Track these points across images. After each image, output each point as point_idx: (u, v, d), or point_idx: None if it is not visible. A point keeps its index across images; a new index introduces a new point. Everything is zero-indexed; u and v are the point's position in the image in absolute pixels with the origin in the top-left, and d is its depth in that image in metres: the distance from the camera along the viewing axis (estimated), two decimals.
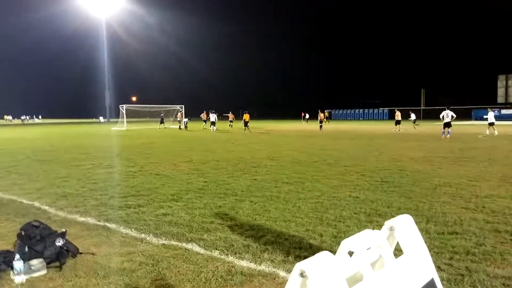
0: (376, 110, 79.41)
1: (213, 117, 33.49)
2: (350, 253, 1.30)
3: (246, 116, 31.90)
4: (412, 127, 32.53)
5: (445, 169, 9.40)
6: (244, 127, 31.25)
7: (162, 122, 39.99)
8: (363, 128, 34.51)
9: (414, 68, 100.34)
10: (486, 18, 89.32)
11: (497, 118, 51.99)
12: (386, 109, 76.79)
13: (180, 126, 37.54)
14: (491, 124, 23.07)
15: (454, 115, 20.77)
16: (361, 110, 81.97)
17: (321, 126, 31.27)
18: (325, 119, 37.98)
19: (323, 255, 1.19)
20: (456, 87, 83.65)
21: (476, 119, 56.12)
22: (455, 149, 14.03)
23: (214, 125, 33.00)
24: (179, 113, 40.59)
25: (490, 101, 59.68)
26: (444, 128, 20.79)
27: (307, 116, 57.63)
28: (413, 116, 35.69)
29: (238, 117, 41.20)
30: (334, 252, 1.28)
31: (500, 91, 59.48)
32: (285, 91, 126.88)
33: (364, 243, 1.33)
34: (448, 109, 20.91)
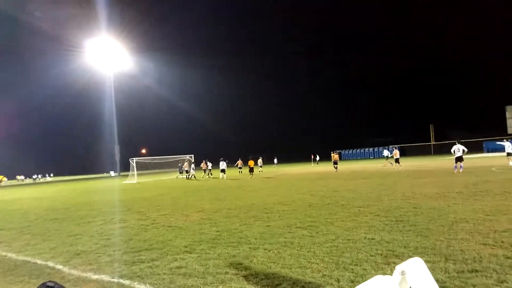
0: (387, 148, 79.32)
1: (223, 165, 33.45)
2: None
3: (251, 162, 32.48)
4: (389, 163, 34.19)
5: (461, 204, 9.25)
6: (249, 173, 31.75)
7: (181, 171, 40.40)
8: (374, 166, 34.30)
9: (421, 104, 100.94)
10: (490, 49, 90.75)
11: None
12: (396, 147, 76.69)
13: (187, 176, 37.23)
14: (509, 154, 22.85)
15: (465, 149, 20.62)
16: (371, 149, 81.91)
17: (336, 167, 31.34)
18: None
19: None
20: (465, 120, 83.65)
21: (488, 151, 55.58)
22: (469, 184, 13.84)
23: (224, 173, 32.93)
24: (185, 163, 40.66)
25: (502, 132, 59.35)
26: (456, 162, 20.62)
27: (318, 157, 57.89)
28: (385, 153, 37.18)
29: (246, 163, 41.61)
30: None
31: (510, 122, 59.07)
32: (292, 134, 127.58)
33: None
34: (458, 143, 20.83)
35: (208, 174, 38.66)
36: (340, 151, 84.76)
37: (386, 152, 38.37)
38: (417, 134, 79.20)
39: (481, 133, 62.17)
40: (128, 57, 75.50)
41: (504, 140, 24.73)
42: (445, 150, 63.42)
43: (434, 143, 73.49)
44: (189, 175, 36.76)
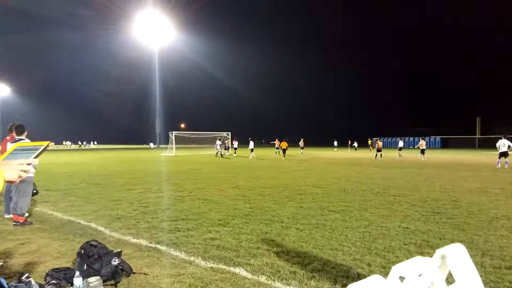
0: (427, 139, 76.77)
1: (251, 144, 35.11)
2: (401, 279, 1.33)
3: (284, 144, 32.88)
4: (398, 155, 33.83)
5: (503, 201, 8.91)
6: (283, 155, 32.22)
7: (226, 148, 40.78)
8: (413, 156, 33.38)
9: (468, 95, 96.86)
10: None
11: None
12: (438, 138, 74.08)
13: (221, 153, 36.61)
14: None
15: (511, 144, 19.68)
16: (411, 139, 79.52)
17: (379, 155, 30.71)
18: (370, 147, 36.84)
19: (375, 278, 1.24)
20: None
21: None
22: None
23: (252, 152, 34.12)
24: (224, 139, 41.25)
25: None
26: (499, 157, 19.78)
27: (356, 144, 56.87)
28: (400, 144, 36.16)
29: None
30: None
31: None
32: (331, 119, 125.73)
33: (415, 270, 1.35)
34: (504, 138, 19.90)
35: (233, 151, 39.43)
36: (377, 138, 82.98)
37: (401, 143, 37.52)
38: (462, 126, 76.18)
39: None
40: (173, 31, 76.26)
41: None
42: (490, 145, 60.68)
43: (479, 136, 70.31)
44: (218, 152, 36.15)
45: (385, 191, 10.57)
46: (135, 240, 5.56)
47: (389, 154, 39.50)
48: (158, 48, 77.77)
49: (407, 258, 4.53)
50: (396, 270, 1.31)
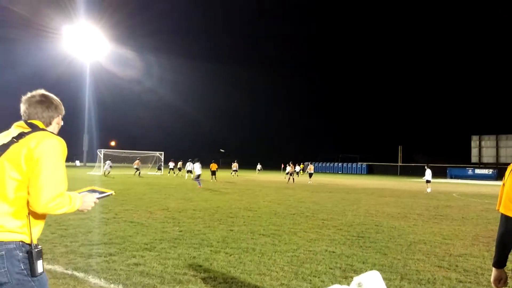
0: (354, 165, 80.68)
1: (190, 166, 34.21)
2: None
3: (213, 166, 32.20)
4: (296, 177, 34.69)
5: (420, 226, 9.52)
6: (211, 176, 31.46)
7: (159, 168, 40.41)
8: (341, 181, 34.86)
9: (391, 125, 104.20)
10: (461, 80, 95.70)
11: (471, 177, 53.97)
12: (364, 164, 78.22)
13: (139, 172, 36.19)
14: (428, 181, 23.32)
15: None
16: (339, 164, 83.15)
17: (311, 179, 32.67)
18: (295, 171, 37.07)
19: None
20: (431, 146, 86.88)
21: (451, 178, 57.57)
22: (430, 207, 14.26)
23: (191, 173, 33.69)
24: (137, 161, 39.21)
25: (465, 160, 62.28)
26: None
27: (259, 167, 57.13)
28: (297, 168, 39.09)
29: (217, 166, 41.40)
30: None
31: (474, 151, 61.55)
32: (264, 143, 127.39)
33: None
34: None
35: (168, 172, 38.84)
36: (308, 163, 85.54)
37: (297, 168, 40.20)
38: (385, 154, 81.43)
39: (446, 160, 64.60)
40: (108, 45, 73.60)
41: (425, 167, 24.45)
42: (411, 172, 65.26)
43: (401, 164, 75.31)
44: (136, 172, 35.53)
45: (314, 215, 10.84)
46: (49, 266, 5.11)
47: (317, 179, 40.91)
48: (91, 62, 74.34)
49: (332, 283, 4.62)
50: None
